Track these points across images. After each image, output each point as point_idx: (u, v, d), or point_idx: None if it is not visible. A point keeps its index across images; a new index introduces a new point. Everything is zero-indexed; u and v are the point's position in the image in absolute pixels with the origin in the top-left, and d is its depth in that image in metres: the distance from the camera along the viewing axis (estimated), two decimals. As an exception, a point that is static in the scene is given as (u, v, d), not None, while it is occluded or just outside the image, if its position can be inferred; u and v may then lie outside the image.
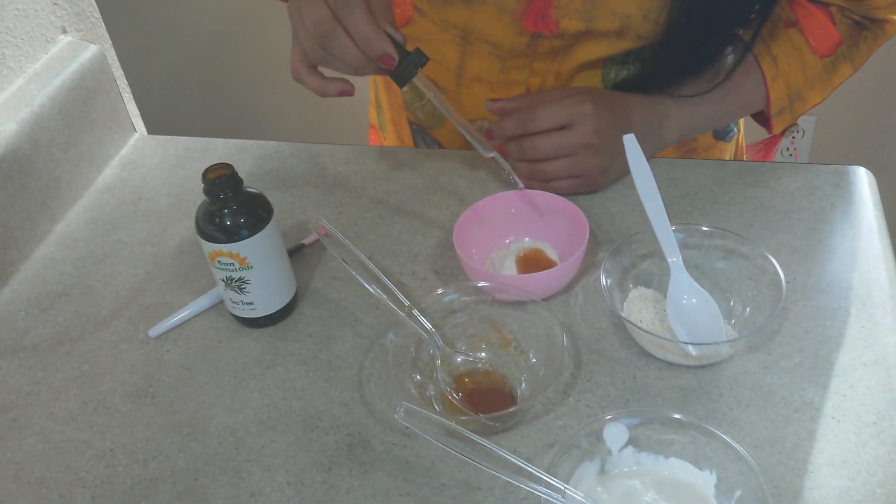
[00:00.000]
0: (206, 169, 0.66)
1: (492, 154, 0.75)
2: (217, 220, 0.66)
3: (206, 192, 0.66)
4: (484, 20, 0.82)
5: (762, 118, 0.87)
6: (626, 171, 0.76)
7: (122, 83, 0.99)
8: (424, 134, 0.97)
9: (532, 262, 0.73)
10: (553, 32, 0.80)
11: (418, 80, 0.71)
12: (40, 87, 0.86)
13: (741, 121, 0.99)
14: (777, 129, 0.85)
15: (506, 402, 0.64)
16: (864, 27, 0.81)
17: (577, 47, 0.82)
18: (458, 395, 0.65)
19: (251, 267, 0.67)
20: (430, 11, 0.86)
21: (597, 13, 0.78)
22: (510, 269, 0.73)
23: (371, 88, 1.07)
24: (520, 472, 0.55)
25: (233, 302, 0.71)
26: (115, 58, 0.98)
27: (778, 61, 0.81)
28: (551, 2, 0.78)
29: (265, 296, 0.70)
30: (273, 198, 0.87)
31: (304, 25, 0.68)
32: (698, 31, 0.77)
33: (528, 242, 0.77)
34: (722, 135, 0.96)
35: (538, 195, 0.76)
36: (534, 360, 0.67)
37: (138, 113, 1.02)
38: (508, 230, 0.77)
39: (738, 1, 0.77)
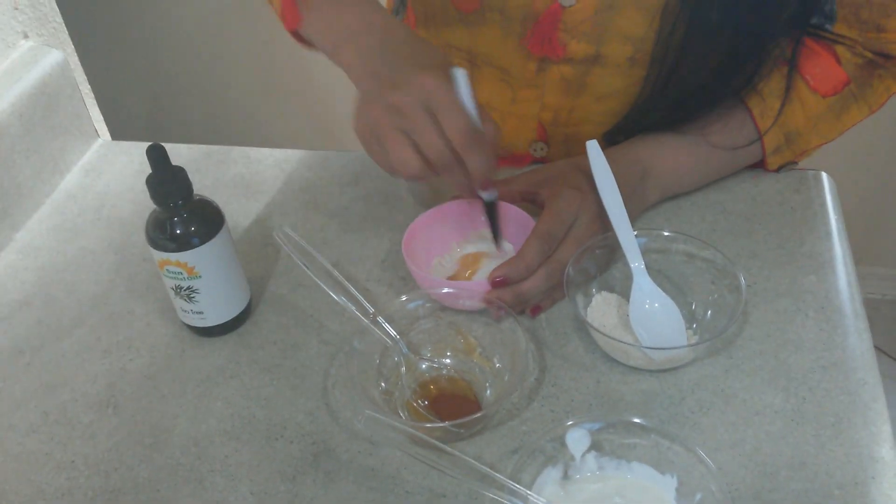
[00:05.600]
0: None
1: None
2: (166, 228, 0.65)
3: (153, 198, 0.65)
4: (488, 43, 0.81)
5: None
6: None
7: (86, 88, 0.98)
8: None
9: (474, 265, 0.73)
10: (560, 56, 0.78)
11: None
12: (1, 93, 0.85)
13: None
14: (773, 167, 0.81)
15: (471, 409, 0.64)
16: (879, 66, 0.77)
17: (590, 78, 0.79)
18: (423, 401, 0.65)
19: (199, 276, 0.67)
20: (430, 37, 0.84)
21: (606, 36, 0.76)
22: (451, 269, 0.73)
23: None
24: (484, 478, 0.55)
25: (183, 310, 0.70)
26: (79, 63, 0.97)
27: (766, 97, 0.77)
28: (558, 24, 0.76)
29: (215, 305, 0.70)
30: (237, 204, 0.87)
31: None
32: (706, 51, 0.73)
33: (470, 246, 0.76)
34: None
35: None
36: (498, 365, 0.67)
37: (102, 118, 1.01)
38: (456, 236, 0.77)
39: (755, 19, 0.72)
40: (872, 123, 0.87)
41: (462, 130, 0.62)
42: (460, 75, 0.63)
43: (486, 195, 0.69)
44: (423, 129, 0.62)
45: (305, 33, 0.71)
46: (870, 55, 0.77)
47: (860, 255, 2.02)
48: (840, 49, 0.77)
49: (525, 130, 0.86)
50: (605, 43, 0.76)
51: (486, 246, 0.75)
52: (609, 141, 0.71)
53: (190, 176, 0.66)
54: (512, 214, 0.74)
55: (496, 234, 0.72)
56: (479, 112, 0.64)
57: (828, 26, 0.76)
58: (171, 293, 0.69)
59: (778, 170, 0.83)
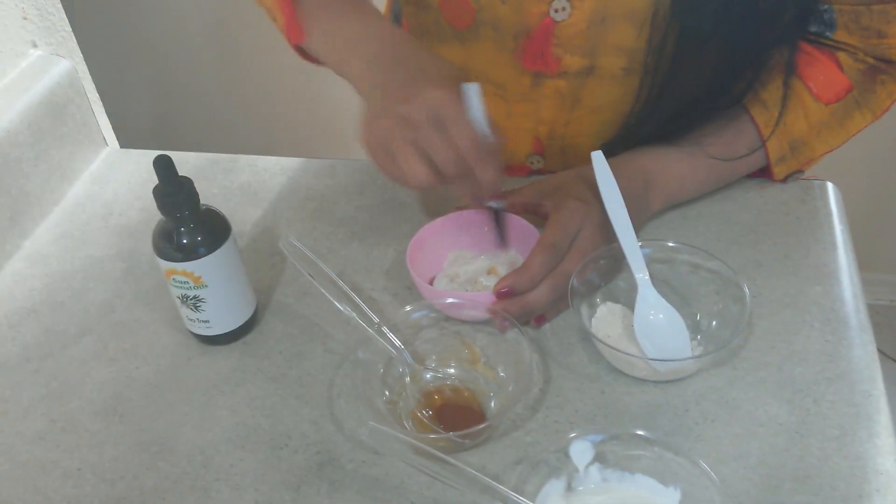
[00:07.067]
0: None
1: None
2: (172, 238, 0.66)
3: (160, 208, 0.66)
4: (482, 58, 0.81)
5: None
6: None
7: (94, 96, 0.98)
8: None
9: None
10: (554, 71, 0.78)
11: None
12: (10, 102, 0.85)
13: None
14: (779, 176, 0.81)
15: (475, 419, 0.65)
16: (881, 71, 0.77)
17: (585, 91, 0.79)
18: (427, 411, 0.65)
19: (206, 286, 0.67)
20: None
21: (599, 48, 0.75)
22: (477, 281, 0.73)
23: None
24: (488, 489, 0.55)
25: (189, 319, 0.71)
26: (87, 71, 0.98)
27: (770, 107, 0.77)
28: (551, 39, 0.76)
29: (221, 314, 0.70)
30: (244, 212, 0.87)
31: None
32: (706, 60, 0.73)
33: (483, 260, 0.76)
34: None
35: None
36: (503, 375, 0.67)
37: (110, 126, 1.01)
38: (461, 246, 0.77)
39: (747, 30, 0.71)
40: (879, 127, 0.86)
41: (471, 142, 0.63)
42: (471, 88, 0.64)
43: (495, 204, 0.70)
44: (434, 141, 0.62)
45: (309, 48, 0.71)
46: (872, 61, 0.77)
47: (869, 262, 2.02)
48: (842, 56, 0.77)
49: (522, 144, 0.86)
50: (599, 55, 0.76)
51: (491, 255, 0.75)
52: (607, 153, 0.72)
53: (197, 184, 0.66)
54: (517, 226, 0.74)
55: (503, 240, 0.73)
56: (488, 124, 0.65)
57: (828, 34, 0.76)
58: (178, 302, 0.69)
59: (784, 179, 0.83)
